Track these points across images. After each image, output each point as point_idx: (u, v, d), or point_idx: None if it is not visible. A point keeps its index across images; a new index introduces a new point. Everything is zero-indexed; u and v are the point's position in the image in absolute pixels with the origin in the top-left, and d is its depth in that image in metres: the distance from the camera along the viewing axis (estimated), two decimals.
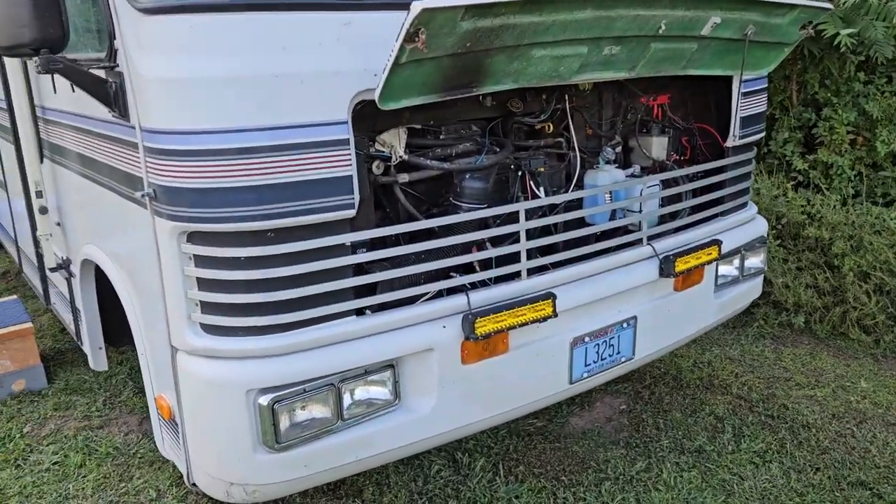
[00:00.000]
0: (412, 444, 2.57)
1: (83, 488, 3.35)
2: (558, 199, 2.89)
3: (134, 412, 3.99)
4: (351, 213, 2.28)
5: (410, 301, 2.55)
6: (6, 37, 2.19)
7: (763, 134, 3.62)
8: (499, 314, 2.52)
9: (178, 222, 2.22)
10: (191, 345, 2.33)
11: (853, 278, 4.53)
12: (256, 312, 2.26)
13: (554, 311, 2.64)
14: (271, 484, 2.37)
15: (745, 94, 3.37)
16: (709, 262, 3.18)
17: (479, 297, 2.59)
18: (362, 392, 2.43)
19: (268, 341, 2.28)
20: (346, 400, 2.41)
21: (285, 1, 2.13)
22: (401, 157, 2.59)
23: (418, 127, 2.70)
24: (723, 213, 3.48)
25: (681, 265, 3.03)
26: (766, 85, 3.56)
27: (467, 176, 2.68)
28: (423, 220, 2.63)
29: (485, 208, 2.67)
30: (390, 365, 2.45)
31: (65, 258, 3.67)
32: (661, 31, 2.55)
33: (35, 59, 2.25)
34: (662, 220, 3.26)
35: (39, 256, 4.25)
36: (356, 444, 2.44)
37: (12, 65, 3.41)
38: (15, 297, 4.96)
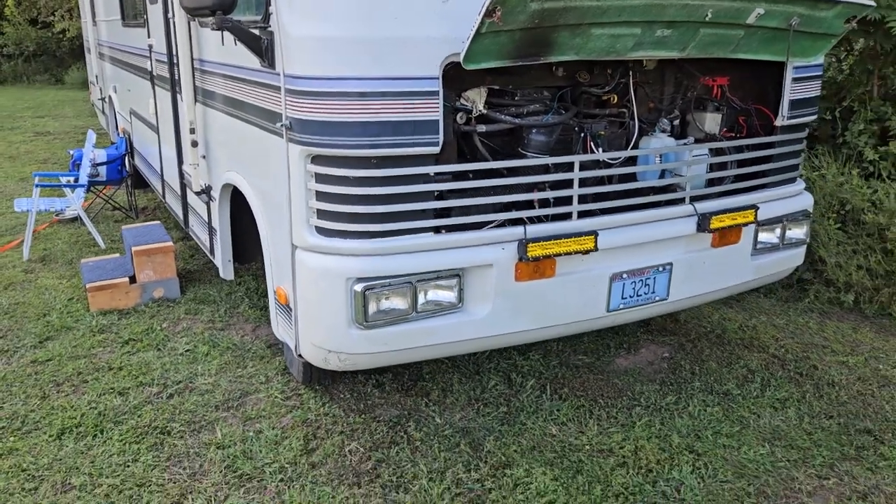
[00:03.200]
0: (469, 341, 3.20)
1: (209, 370, 4.19)
2: (609, 155, 3.42)
3: (249, 321, 4.82)
4: (435, 149, 2.92)
5: (478, 227, 3.17)
6: None
7: (815, 116, 3.98)
8: (548, 242, 3.10)
9: (306, 146, 2.93)
10: (308, 242, 3.04)
11: None
12: (359, 220, 2.94)
13: (595, 245, 3.19)
14: (359, 354, 3.06)
15: (797, 79, 3.76)
16: (745, 224, 3.63)
17: (535, 230, 3.17)
18: (433, 293, 3.07)
19: (365, 244, 2.96)
20: (420, 298, 3.06)
21: None
22: (480, 110, 3.20)
23: (497, 88, 3.29)
24: (769, 185, 3.88)
25: (716, 223, 3.50)
26: (821, 72, 3.93)
27: (534, 130, 3.26)
28: (493, 161, 3.23)
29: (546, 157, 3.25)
30: (457, 274, 3.08)
31: (206, 185, 4.51)
32: (707, 19, 3.02)
33: (211, 18, 3.00)
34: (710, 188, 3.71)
35: (183, 186, 5.14)
36: (425, 332, 3.09)
37: (181, 25, 4.23)
38: (158, 221, 5.93)
